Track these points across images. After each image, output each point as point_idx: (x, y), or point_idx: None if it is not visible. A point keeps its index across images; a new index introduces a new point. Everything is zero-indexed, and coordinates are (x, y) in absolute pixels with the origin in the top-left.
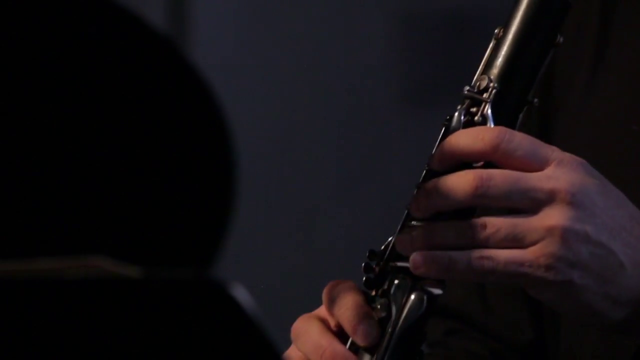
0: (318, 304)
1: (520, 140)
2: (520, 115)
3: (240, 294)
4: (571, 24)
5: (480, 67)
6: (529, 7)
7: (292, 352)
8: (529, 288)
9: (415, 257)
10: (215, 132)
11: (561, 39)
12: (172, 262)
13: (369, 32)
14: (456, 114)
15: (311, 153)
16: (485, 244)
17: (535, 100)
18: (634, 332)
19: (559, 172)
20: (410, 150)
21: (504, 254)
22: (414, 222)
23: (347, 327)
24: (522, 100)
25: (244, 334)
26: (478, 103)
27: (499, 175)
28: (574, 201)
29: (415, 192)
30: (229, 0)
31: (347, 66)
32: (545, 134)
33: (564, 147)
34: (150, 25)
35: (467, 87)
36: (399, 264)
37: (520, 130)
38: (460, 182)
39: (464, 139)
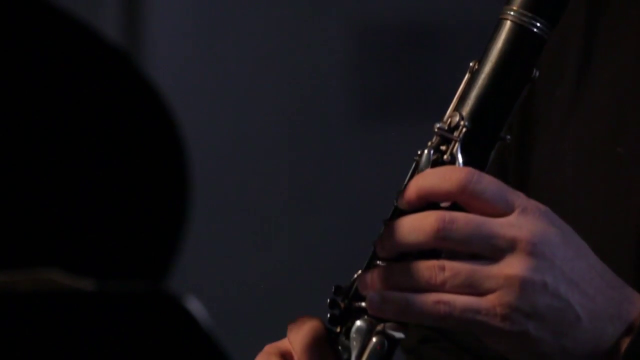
0: (271, 315)
1: (488, 183)
2: (492, 153)
3: (194, 306)
4: (555, 39)
5: (454, 101)
6: (504, 42)
7: None
8: (485, 337)
9: (371, 297)
10: (170, 146)
11: (537, 74)
12: (126, 275)
13: (326, 46)
14: (425, 151)
15: (266, 165)
16: (443, 288)
17: (508, 137)
18: None
19: (522, 220)
20: (365, 163)
21: (461, 300)
22: (379, 262)
23: None
24: (493, 139)
25: (198, 347)
26: (448, 141)
27: (462, 219)
28: (534, 251)
29: (382, 229)
30: (184, 14)
31: (304, 80)
32: (524, 150)
33: (543, 166)
34: (105, 37)
35: (438, 125)
36: (363, 304)
37: (491, 165)
38: (422, 222)
39: (430, 178)
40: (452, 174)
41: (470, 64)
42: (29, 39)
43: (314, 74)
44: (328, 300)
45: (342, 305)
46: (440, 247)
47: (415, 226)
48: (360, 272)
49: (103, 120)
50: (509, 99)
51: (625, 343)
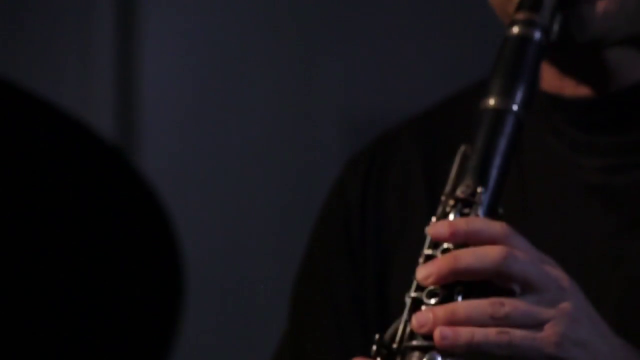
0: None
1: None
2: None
3: None
4: (399, 179)
5: (452, 177)
6: (490, 127)
7: None
8: None
9: (442, 330)
10: (164, 246)
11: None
12: None
13: (318, 141)
14: (451, 215)
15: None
16: (503, 322)
17: (501, 210)
18: None
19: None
20: None
21: (519, 330)
22: (423, 305)
23: None
24: (495, 209)
25: None
26: (469, 205)
27: (521, 251)
28: (574, 291)
29: (422, 260)
30: (176, 103)
31: (296, 178)
32: (384, 274)
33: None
34: (100, 134)
35: (457, 191)
36: (414, 343)
37: None
38: (489, 250)
39: (485, 225)
40: (498, 226)
41: (462, 149)
42: (23, 137)
43: (306, 170)
44: (374, 348)
45: (385, 353)
46: (501, 275)
47: (482, 253)
48: (403, 317)
49: (97, 219)
50: (502, 173)
51: None
